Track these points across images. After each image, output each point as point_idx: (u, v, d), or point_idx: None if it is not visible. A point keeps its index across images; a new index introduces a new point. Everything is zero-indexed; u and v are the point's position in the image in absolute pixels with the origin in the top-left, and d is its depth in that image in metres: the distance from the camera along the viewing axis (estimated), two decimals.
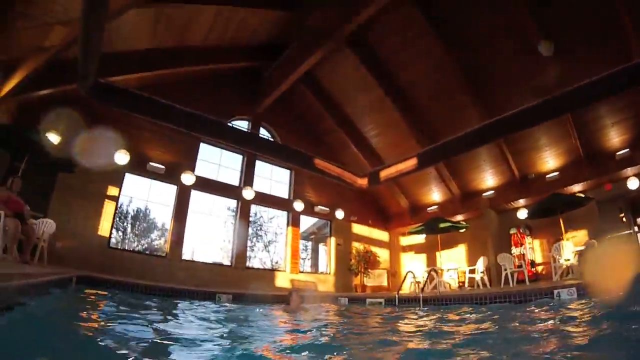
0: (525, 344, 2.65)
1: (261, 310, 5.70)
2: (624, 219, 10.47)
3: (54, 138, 7.21)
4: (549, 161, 10.67)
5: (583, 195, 9.73)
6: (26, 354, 1.63)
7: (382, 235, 14.46)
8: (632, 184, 9.79)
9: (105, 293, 4.99)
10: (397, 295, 6.85)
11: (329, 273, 12.57)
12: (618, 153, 9.61)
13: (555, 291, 5.02)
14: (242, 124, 11.67)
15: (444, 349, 2.67)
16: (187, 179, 9.71)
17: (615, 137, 9.66)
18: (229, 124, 8.14)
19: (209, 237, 11.12)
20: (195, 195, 10.18)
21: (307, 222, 13.65)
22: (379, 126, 12.17)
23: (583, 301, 4.39)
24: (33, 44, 5.95)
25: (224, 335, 3.22)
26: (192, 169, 10.06)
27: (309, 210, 12.33)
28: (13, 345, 1.65)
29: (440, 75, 10.00)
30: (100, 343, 2.16)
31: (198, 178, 9.98)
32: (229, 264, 10.59)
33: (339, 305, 7.61)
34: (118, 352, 2.03)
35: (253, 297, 7.04)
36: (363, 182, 15.24)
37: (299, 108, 12.90)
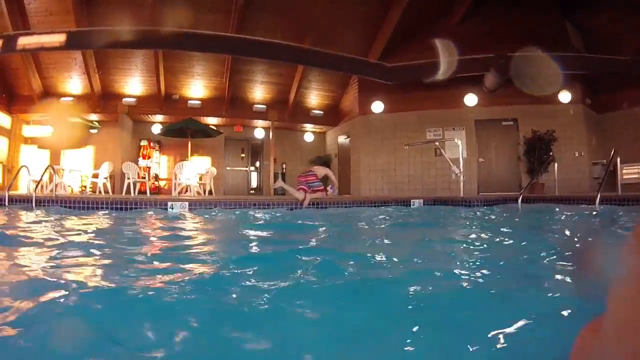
0: (137, 243, 2.81)
1: None
2: (243, 158, 13.40)
3: None
4: (196, 89, 11.55)
5: (215, 128, 11.28)
6: None
7: (2, 119, 10.78)
8: (258, 133, 12.69)
9: None
10: (7, 193, 5.91)
11: None
12: (256, 106, 11.97)
13: (170, 203, 5.21)
14: None
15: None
16: None
17: (258, 93, 11.92)
18: None
19: None
20: None
21: None
22: None
23: (191, 214, 5.06)
24: None
25: None
26: None
27: None
28: None
29: None
30: None
31: None
32: None
33: None
34: None
35: None
36: None
37: None
